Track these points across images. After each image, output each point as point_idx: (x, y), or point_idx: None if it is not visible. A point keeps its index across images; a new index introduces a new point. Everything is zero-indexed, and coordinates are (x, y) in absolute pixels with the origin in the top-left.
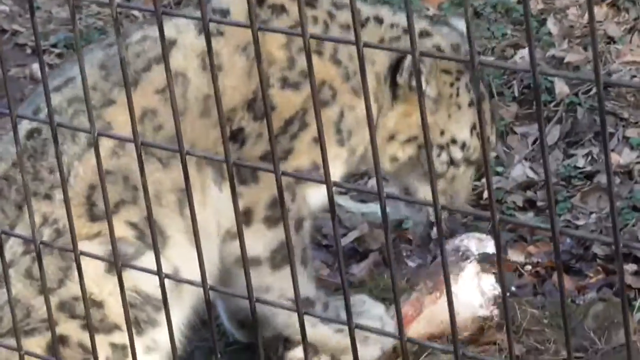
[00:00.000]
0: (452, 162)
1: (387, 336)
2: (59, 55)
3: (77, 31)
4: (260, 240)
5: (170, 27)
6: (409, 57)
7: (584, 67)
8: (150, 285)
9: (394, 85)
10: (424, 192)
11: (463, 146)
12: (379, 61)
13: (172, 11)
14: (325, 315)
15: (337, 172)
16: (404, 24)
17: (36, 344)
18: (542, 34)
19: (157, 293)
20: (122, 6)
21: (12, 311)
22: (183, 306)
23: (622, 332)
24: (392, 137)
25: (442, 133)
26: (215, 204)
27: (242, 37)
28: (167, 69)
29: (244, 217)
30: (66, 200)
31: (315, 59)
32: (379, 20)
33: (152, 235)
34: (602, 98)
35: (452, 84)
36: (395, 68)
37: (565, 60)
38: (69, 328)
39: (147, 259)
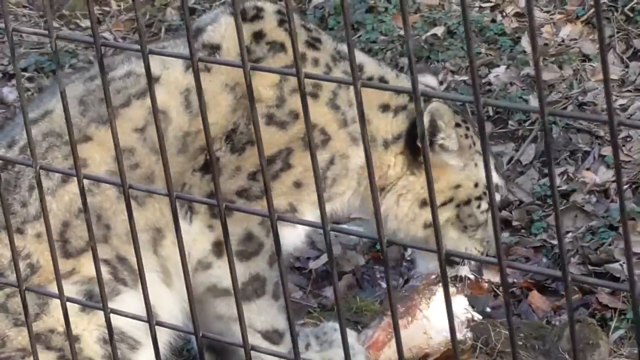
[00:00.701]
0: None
1: None
2: (30, 79)
3: (17, 67)
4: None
5: (157, 63)
6: (425, 116)
7: (559, 85)
8: (125, 323)
9: (411, 151)
10: (464, 245)
11: (497, 188)
12: (381, 128)
13: (110, 43)
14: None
15: (312, 216)
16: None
17: None
18: (517, 52)
19: (133, 331)
20: (60, 37)
21: None
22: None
23: (597, 354)
24: (425, 203)
25: (476, 185)
26: (185, 237)
27: (232, 75)
28: (109, 104)
29: (216, 249)
30: (9, 234)
31: (309, 101)
32: (384, 82)
33: (96, 272)
34: (547, 131)
35: (467, 135)
36: (410, 134)
37: None
38: (44, 359)
39: (122, 299)
